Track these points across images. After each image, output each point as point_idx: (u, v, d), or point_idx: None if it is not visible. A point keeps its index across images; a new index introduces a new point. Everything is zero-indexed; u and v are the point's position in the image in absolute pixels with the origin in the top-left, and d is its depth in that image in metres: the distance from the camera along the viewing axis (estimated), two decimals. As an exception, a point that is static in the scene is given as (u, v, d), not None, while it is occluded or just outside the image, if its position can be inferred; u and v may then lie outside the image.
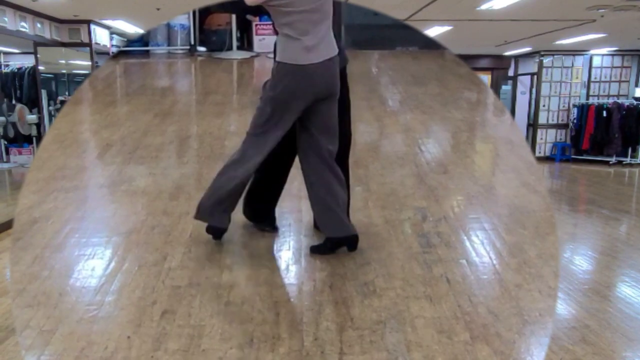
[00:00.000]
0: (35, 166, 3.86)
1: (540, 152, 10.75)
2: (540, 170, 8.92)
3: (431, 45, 7.45)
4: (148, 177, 3.65)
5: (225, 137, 4.32)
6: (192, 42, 7.19)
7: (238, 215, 2.74)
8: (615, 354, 2.83)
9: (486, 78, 11.70)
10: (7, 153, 7.47)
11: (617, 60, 10.51)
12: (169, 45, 7.32)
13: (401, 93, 5.80)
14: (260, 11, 2.57)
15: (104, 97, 5.71)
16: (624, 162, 10.04)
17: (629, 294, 3.68)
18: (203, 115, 4.99)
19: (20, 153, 7.37)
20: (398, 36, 7.46)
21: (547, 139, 10.78)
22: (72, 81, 7.62)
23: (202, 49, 7.24)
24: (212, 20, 7.13)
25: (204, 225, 2.83)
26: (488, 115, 5.71)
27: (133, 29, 7.85)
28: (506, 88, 11.83)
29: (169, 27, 7.23)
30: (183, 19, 7.13)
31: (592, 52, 10.36)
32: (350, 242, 2.66)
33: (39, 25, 6.60)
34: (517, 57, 11.29)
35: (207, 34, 7.21)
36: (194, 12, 7.06)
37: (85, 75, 7.55)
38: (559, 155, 10.54)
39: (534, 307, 2.33)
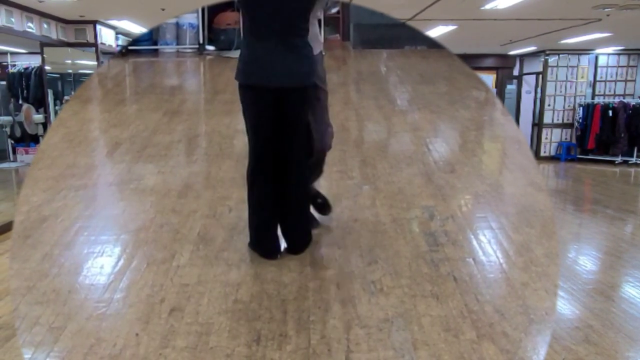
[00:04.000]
0: (45, 164, 3.88)
1: (545, 152, 10.72)
2: (539, 170, 8.91)
3: (439, 44, 7.46)
4: (157, 176, 3.67)
5: (234, 135, 4.33)
6: (201, 41, 7.20)
7: (246, 213, 2.74)
8: (618, 354, 2.83)
9: (491, 77, 11.68)
10: (14, 152, 7.51)
11: (623, 60, 10.47)
12: (177, 44, 7.33)
13: (409, 92, 5.81)
14: None
15: (111, 95, 5.74)
16: (630, 162, 9.99)
17: (633, 294, 3.68)
18: (212, 114, 5.02)
19: (27, 152, 7.41)
20: (406, 35, 7.46)
21: (552, 138, 10.74)
22: (78, 81, 7.64)
23: (210, 47, 7.25)
24: (220, 19, 7.14)
25: (211, 223, 2.86)
26: (495, 114, 5.71)
27: (138, 29, 7.87)
28: (511, 87, 11.80)
29: (177, 26, 7.24)
30: (192, 18, 7.14)
31: (598, 51, 10.32)
32: None
33: (45, 25, 6.63)
34: (522, 57, 11.26)
35: (216, 33, 7.21)
36: (202, 11, 7.07)
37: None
38: (564, 154, 10.51)
39: (540, 305, 2.33)
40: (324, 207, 2.92)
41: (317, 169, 2.84)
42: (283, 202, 2.59)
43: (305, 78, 2.49)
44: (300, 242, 2.67)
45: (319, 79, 2.59)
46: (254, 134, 2.55)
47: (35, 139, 7.46)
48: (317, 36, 2.60)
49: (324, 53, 2.71)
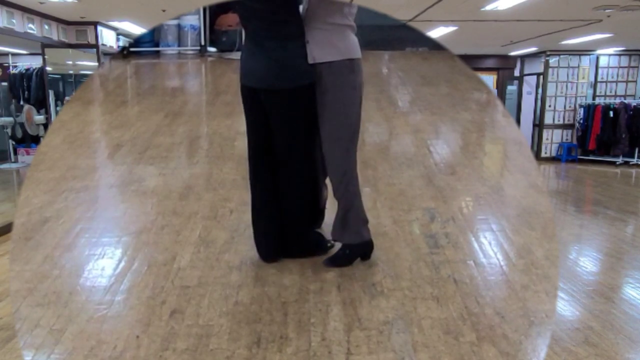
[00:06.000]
0: (46, 166, 3.89)
1: (546, 153, 10.72)
2: (540, 172, 8.91)
3: (441, 45, 7.45)
4: (158, 177, 3.68)
5: (235, 137, 4.34)
6: (203, 43, 7.20)
7: (247, 215, 2.74)
8: (618, 355, 2.82)
9: (492, 78, 11.69)
10: (15, 153, 7.52)
11: (624, 60, 10.47)
12: (179, 45, 7.32)
13: (410, 94, 5.81)
14: None
15: (112, 97, 5.75)
16: (631, 163, 9.99)
17: (633, 296, 3.68)
18: (213, 115, 5.03)
19: (28, 153, 7.42)
20: (408, 37, 7.44)
21: (553, 139, 10.74)
22: (79, 82, 7.66)
23: (212, 49, 7.24)
24: (222, 20, 7.12)
25: (212, 225, 2.86)
26: (496, 115, 5.71)
27: (139, 30, 7.89)
28: (512, 88, 11.81)
29: (179, 27, 7.23)
30: (193, 20, 7.13)
31: (599, 52, 10.32)
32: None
33: (46, 27, 6.64)
34: (523, 57, 11.26)
35: (218, 35, 7.20)
36: (204, 12, 7.06)
37: (92, 76, 7.60)
38: (565, 155, 10.51)
39: (540, 308, 2.33)
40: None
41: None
42: (283, 204, 2.59)
43: (277, 81, 2.42)
44: (299, 246, 2.66)
45: (330, 88, 2.42)
46: (248, 133, 2.57)
47: (36, 140, 7.47)
48: (331, 41, 2.41)
49: (344, 65, 2.43)
